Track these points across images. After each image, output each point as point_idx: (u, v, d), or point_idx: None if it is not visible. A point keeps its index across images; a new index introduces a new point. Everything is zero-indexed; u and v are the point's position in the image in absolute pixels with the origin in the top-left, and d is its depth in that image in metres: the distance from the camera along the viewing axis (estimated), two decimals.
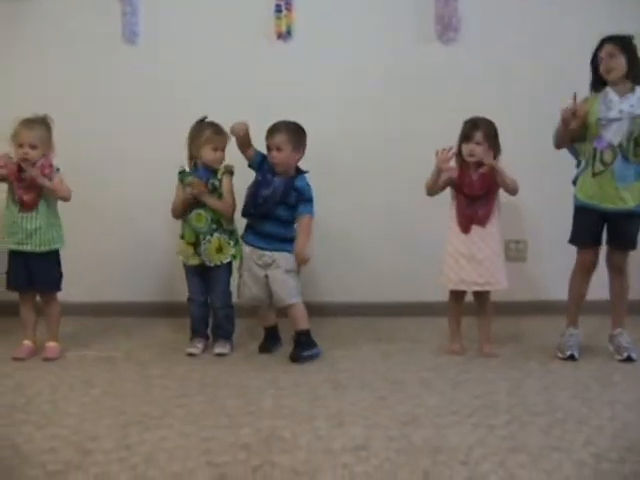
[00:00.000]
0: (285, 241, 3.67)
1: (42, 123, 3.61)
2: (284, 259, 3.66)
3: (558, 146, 3.71)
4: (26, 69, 4.38)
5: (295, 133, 3.68)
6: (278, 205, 3.64)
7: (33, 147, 3.55)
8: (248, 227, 3.75)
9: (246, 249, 3.74)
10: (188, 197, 3.72)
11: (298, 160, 3.70)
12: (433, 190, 3.72)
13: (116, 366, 3.57)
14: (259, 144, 3.65)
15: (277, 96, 4.30)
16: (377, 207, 4.46)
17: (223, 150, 3.75)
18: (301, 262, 3.67)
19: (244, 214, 3.73)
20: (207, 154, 3.72)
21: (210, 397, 3.14)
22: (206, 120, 3.77)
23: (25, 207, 3.59)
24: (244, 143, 3.65)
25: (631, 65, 3.52)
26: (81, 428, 2.80)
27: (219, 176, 3.75)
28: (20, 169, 3.57)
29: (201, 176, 3.73)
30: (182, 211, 3.76)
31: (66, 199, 3.66)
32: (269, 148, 3.65)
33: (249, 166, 3.72)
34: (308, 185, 3.68)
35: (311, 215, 3.67)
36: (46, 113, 3.64)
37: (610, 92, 3.56)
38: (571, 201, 3.70)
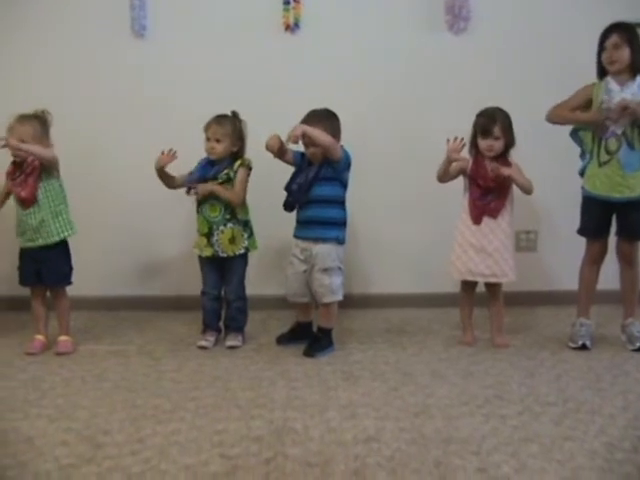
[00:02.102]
0: (327, 225, 3.60)
1: (36, 118, 3.60)
2: (323, 255, 3.60)
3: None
4: (30, 63, 4.36)
5: (328, 120, 3.60)
6: (314, 184, 3.58)
7: (23, 142, 3.52)
8: (296, 222, 3.71)
9: (293, 243, 3.72)
10: (199, 199, 3.75)
11: None
12: (444, 178, 3.72)
13: (128, 360, 3.58)
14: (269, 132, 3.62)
15: (285, 88, 4.31)
16: (390, 199, 4.46)
17: (218, 141, 3.71)
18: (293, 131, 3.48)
19: (285, 206, 3.67)
20: (205, 143, 3.73)
21: (222, 390, 3.15)
22: (234, 113, 3.77)
23: (25, 203, 3.59)
24: (281, 154, 3.61)
25: (634, 56, 3.51)
26: (94, 422, 2.81)
27: (235, 168, 3.74)
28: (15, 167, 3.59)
29: (198, 172, 3.74)
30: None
31: (50, 162, 3.57)
32: (305, 144, 3.58)
33: (294, 166, 3.70)
34: (346, 151, 3.60)
35: (342, 148, 3.58)
36: (44, 109, 3.63)
37: (610, 82, 3.55)
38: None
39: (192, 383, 3.24)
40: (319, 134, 3.48)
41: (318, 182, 3.58)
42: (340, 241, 3.64)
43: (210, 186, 3.70)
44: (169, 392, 3.12)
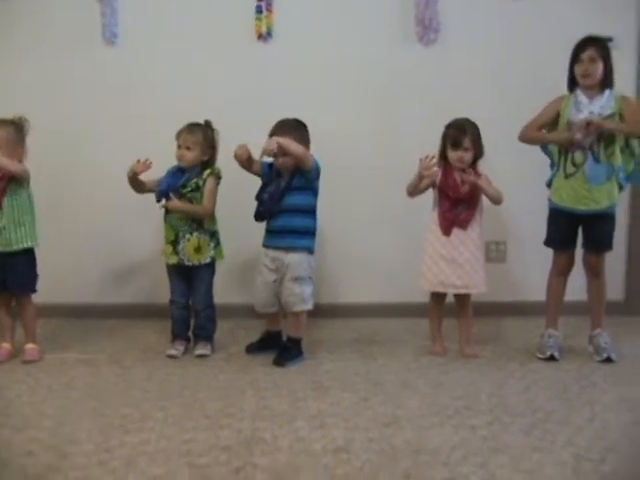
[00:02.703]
0: (300, 234, 3.60)
1: (12, 124, 3.57)
2: (295, 264, 3.59)
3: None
4: (1, 69, 4.33)
5: (298, 130, 3.61)
6: (286, 193, 3.57)
7: None
8: (265, 231, 3.70)
9: (262, 252, 3.70)
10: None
11: None
12: (414, 193, 3.73)
13: (97, 368, 3.55)
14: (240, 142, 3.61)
15: (257, 98, 4.30)
16: (360, 209, 4.46)
17: (189, 149, 3.70)
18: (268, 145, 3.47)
19: (255, 216, 3.66)
20: (176, 150, 3.72)
21: (190, 399, 3.13)
22: (207, 122, 3.77)
23: None
24: (248, 165, 3.61)
25: (606, 71, 3.55)
26: (61, 431, 2.79)
27: (204, 176, 3.73)
28: None
29: (168, 179, 3.73)
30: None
31: (19, 175, 3.54)
32: (275, 155, 3.55)
33: (262, 179, 3.69)
34: (316, 160, 3.59)
35: (313, 157, 3.57)
36: (21, 115, 3.60)
37: (580, 95, 3.59)
38: None
39: (161, 392, 3.22)
40: (293, 145, 3.48)
41: (290, 191, 3.58)
42: (311, 250, 3.64)
43: (179, 204, 3.68)
44: (138, 401, 3.10)
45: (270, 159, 3.61)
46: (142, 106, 4.32)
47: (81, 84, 4.34)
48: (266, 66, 4.35)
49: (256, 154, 3.54)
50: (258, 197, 3.65)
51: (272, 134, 3.58)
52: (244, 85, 4.34)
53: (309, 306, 3.65)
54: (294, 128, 3.60)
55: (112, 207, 4.37)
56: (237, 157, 3.55)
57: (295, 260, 3.59)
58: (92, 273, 4.47)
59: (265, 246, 3.68)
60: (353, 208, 4.44)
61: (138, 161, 3.64)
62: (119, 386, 3.30)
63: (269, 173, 3.65)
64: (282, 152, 3.50)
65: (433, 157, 3.62)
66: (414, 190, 3.71)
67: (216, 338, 3.88)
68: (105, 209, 4.39)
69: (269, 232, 3.67)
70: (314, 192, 3.63)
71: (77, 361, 3.65)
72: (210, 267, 3.80)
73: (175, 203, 3.68)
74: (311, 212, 3.64)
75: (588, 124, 3.47)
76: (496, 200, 3.67)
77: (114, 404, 3.06)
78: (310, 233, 3.65)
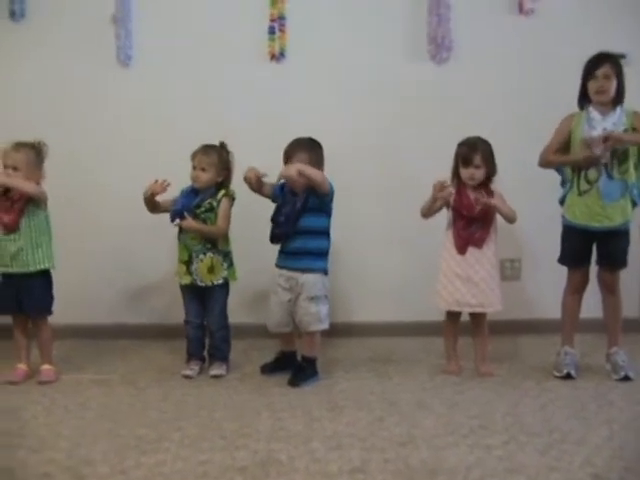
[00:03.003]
0: (315, 256, 3.61)
1: (32, 148, 3.61)
2: (310, 284, 3.59)
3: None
4: (16, 91, 4.37)
5: (313, 150, 3.61)
6: (301, 215, 3.56)
7: (15, 169, 3.55)
8: (279, 252, 3.70)
9: (275, 272, 3.69)
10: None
11: None
12: (428, 215, 3.73)
13: (112, 389, 3.55)
14: (259, 165, 3.61)
15: (271, 118, 4.31)
16: (375, 228, 4.47)
17: (204, 170, 3.70)
18: (287, 172, 3.49)
19: (271, 239, 3.66)
20: (191, 171, 3.73)
21: (206, 420, 3.12)
22: (222, 144, 3.78)
23: (7, 229, 3.57)
24: (258, 187, 3.61)
25: (619, 87, 3.56)
26: (76, 452, 2.78)
27: (219, 197, 3.74)
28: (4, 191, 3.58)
29: (183, 199, 3.74)
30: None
31: (37, 197, 3.58)
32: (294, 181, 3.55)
33: (273, 201, 3.70)
34: (330, 182, 3.58)
35: (328, 181, 3.55)
36: (41, 140, 3.64)
37: (592, 111, 3.59)
38: None
39: (176, 413, 3.21)
40: (311, 171, 3.48)
41: (305, 213, 3.57)
42: (326, 272, 3.65)
43: (193, 224, 3.68)
44: (153, 422, 3.10)
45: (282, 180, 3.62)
46: (155, 127, 4.35)
47: (95, 106, 4.37)
48: (279, 87, 4.37)
49: (271, 176, 3.55)
50: (274, 219, 3.64)
51: (287, 153, 3.59)
52: (258, 106, 4.36)
53: (325, 325, 3.65)
54: (309, 148, 3.60)
55: (125, 227, 4.38)
56: (246, 180, 3.57)
57: (310, 280, 3.59)
58: (105, 293, 4.48)
59: (279, 266, 3.68)
60: (367, 227, 4.45)
61: (156, 181, 3.66)
62: (134, 407, 3.30)
63: (282, 194, 3.65)
64: (301, 178, 3.49)
65: (445, 182, 3.63)
66: (428, 212, 3.72)
67: (231, 358, 3.88)
68: (118, 229, 4.41)
69: (284, 253, 3.67)
70: (328, 214, 3.63)
71: (92, 382, 3.65)
72: (224, 288, 3.80)
73: (190, 223, 3.68)
74: (325, 233, 3.65)
75: (606, 139, 3.46)
76: (510, 219, 3.67)
77: (130, 425, 3.06)
78: (324, 254, 3.65)
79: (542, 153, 3.70)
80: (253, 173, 3.55)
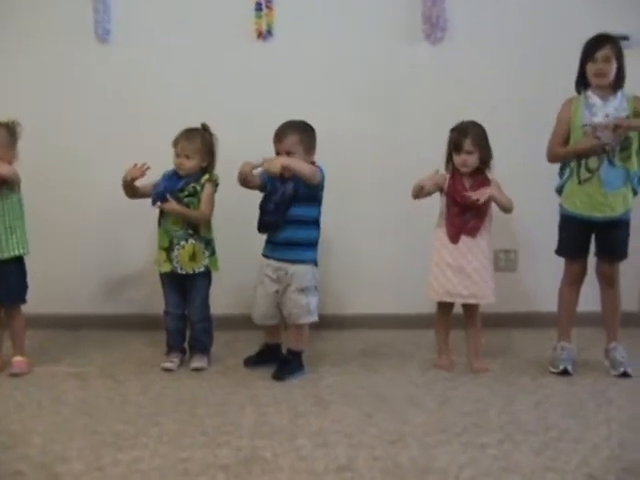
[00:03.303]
0: (304, 247, 3.61)
1: (4, 127, 3.58)
2: (300, 274, 3.59)
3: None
4: None
5: (305, 132, 3.59)
6: (291, 204, 3.55)
7: None
8: (266, 241, 3.68)
9: (262, 262, 3.68)
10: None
11: (310, 162, 3.60)
12: (420, 195, 3.67)
13: (88, 382, 3.53)
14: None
15: (257, 97, 4.29)
16: (365, 217, 4.45)
17: (187, 157, 3.68)
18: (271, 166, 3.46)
19: (259, 228, 3.64)
20: (174, 158, 3.71)
21: (187, 415, 3.12)
22: (204, 127, 3.76)
23: None
24: (247, 182, 3.59)
25: (619, 71, 3.55)
26: (50, 449, 2.77)
27: (202, 182, 3.72)
28: None
29: (165, 182, 3.71)
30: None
31: (9, 177, 3.53)
32: (278, 153, 3.55)
33: (261, 191, 3.67)
34: (322, 170, 3.57)
35: (318, 172, 3.54)
36: (14, 119, 3.61)
37: (592, 96, 3.57)
38: None
39: (156, 407, 3.21)
40: (301, 166, 3.47)
41: (295, 202, 3.56)
42: (316, 262, 3.65)
43: (176, 206, 3.66)
44: (132, 417, 3.09)
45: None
46: (136, 106, 4.30)
47: (72, 83, 4.33)
48: (266, 65, 4.33)
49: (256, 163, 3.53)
50: (262, 206, 3.63)
51: (277, 135, 3.57)
52: (243, 85, 4.32)
53: (314, 318, 3.65)
54: (301, 130, 3.59)
55: (104, 213, 4.35)
56: (242, 175, 3.54)
57: (300, 271, 3.58)
58: (83, 282, 4.45)
59: (267, 256, 3.67)
60: (358, 217, 4.43)
61: (135, 165, 3.63)
62: (112, 401, 3.29)
63: (270, 181, 3.61)
64: (287, 172, 3.47)
65: (437, 171, 3.63)
66: (420, 192, 3.65)
67: (213, 351, 3.87)
68: (97, 215, 4.38)
69: (272, 243, 3.66)
70: (318, 202, 3.63)
71: (68, 374, 3.63)
72: (206, 277, 3.80)
73: (172, 205, 3.66)
74: (315, 223, 3.64)
75: (616, 126, 3.45)
76: (507, 208, 3.65)
77: (107, 420, 3.05)
78: (314, 244, 3.64)
79: (549, 147, 3.68)
80: (249, 167, 3.52)
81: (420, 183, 3.60)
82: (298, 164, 3.47)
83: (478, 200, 3.55)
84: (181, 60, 4.32)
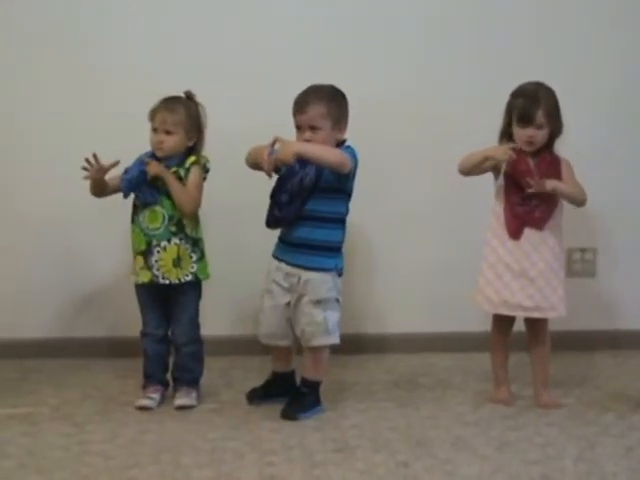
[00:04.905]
0: (323, 251, 3.57)
1: None
2: (316, 282, 3.55)
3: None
4: None
5: (333, 101, 3.55)
6: (311, 195, 3.51)
7: None
8: (278, 239, 3.67)
9: (271, 265, 3.67)
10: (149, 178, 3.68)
11: (341, 140, 3.58)
12: (472, 171, 3.66)
13: (38, 427, 3.49)
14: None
15: (248, 62, 4.29)
16: (394, 210, 4.46)
17: (169, 133, 3.64)
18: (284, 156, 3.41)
19: (268, 222, 3.63)
20: (150, 135, 3.69)
21: (170, 467, 3.07)
22: (189, 95, 3.74)
23: None
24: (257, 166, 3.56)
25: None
26: None
27: (187, 165, 3.69)
28: None
29: (139, 165, 3.67)
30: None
31: None
32: (299, 128, 3.53)
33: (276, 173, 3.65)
34: (353, 153, 3.53)
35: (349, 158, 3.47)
36: None
37: None
38: None
39: (128, 458, 3.15)
40: (322, 152, 3.42)
41: (316, 193, 3.52)
42: (340, 272, 3.62)
43: (162, 169, 3.61)
44: (96, 472, 3.03)
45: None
46: (97, 78, 4.29)
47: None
48: (259, 23, 4.34)
49: (262, 139, 3.46)
50: (274, 196, 3.60)
51: (298, 104, 3.53)
52: (239, 44, 4.33)
53: (335, 339, 3.62)
54: (329, 97, 3.54)
55: (59, 214, 4.35)
56: (252, 159, 3.54)
57: (317, 277, 3.55)
58: (34, 300, 4.43)
59: (277, 258, 3.65)
60: (385, 207, 4.44)
61: (88, 162, 3.59)
62: (70, 451, 3.23)
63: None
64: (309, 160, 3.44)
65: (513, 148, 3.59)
66: (472, 167, 3.63)
67: (203, 383, 3.86)
68: (51, 217, 4.37)
69: (284, 243, 3.64)
70: (347, 195, 3.60)
71: (10, 418, 3.59)
72: (194, 288, 3.78)
73: (157, 166, 3.62)
74: (340, 222, 3.61)
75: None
76: (578, 201, 3.64)
77: (63, 477, 2.99)
78: (336, 249, 3.62)
79: None
80: (264, 153, 3.43)
81: (487, 153, 3.56)
82: (318, 150, 3.43)
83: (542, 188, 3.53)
84: (150, 18, 4.33)
